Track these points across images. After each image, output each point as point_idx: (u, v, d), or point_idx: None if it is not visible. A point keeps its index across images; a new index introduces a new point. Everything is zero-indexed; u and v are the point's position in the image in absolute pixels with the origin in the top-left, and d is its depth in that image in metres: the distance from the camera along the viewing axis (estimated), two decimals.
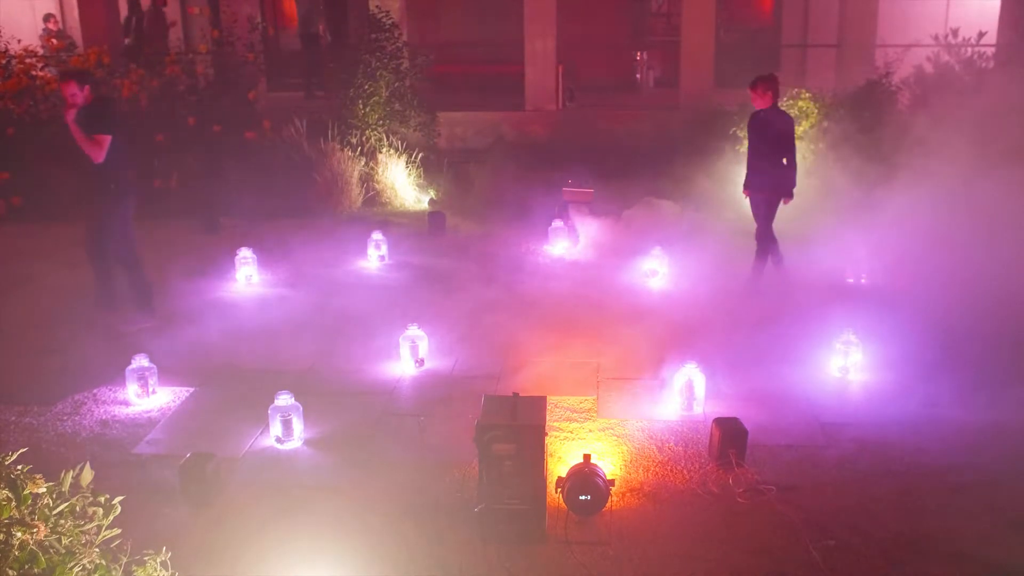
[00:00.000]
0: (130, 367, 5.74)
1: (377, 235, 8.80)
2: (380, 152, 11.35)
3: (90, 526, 2.51)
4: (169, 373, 5.99)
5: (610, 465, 4.83)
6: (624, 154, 11.81)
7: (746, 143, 7.89)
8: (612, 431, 5.26)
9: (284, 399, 5.09)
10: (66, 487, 2.49)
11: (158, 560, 2.65)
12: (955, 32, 11.23)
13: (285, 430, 5.07)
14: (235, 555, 4.06)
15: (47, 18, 15.14)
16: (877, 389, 5.79)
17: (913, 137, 8.76)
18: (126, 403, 5.72)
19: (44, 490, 2.43)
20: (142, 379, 5.73)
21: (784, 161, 7.37)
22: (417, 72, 12.13)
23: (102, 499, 2.56)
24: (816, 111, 10.61)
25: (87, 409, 5.66)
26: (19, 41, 12.10)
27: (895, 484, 4.65)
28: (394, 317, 6.82)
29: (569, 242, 9.24)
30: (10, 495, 2.35)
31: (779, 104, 7.50)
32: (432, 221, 9.99)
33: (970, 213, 7.57)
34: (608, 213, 9.82)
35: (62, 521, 2.44)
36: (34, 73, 11.56)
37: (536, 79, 13.81)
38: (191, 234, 9.87)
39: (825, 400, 5.64)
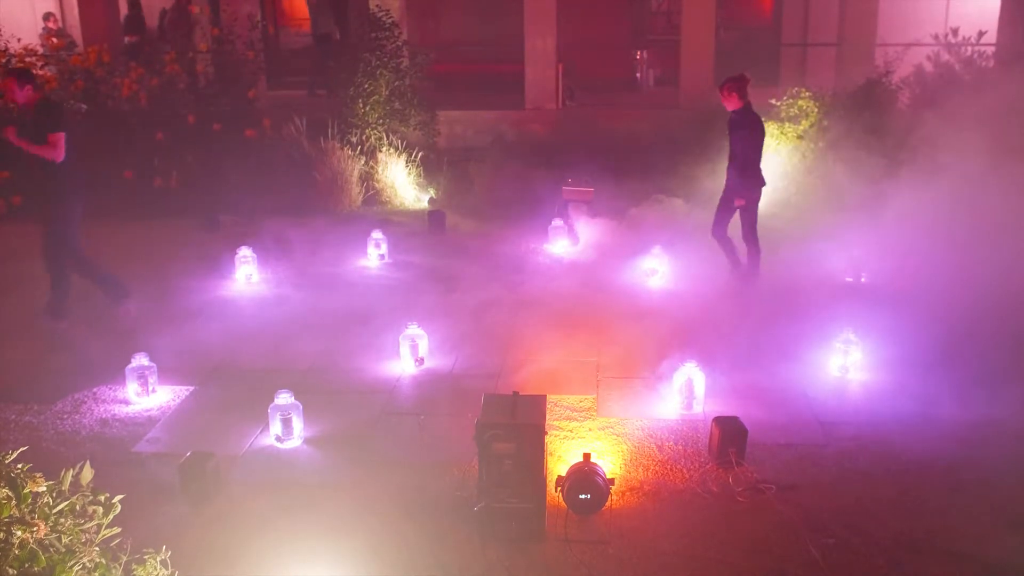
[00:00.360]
0: (130, 366, 5.74)
1: (377, 234, 8.79)
2: (380, 151, 11.35)
3: (90, 525, 2.50)
4: (169, 372, 6.00)
5: (610, 464, 4.83)
6: (624, 153, 11.79)
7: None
8: (612, 430, 5.26)
9: (284, 398, 5.09)
10: (66, 486, 2.49)
11: (158, 559, 2.66)
12: (955, 31, 11.20)
13: (285, 429, 5.08)
14: (235, 554, 4.06)
15: (47, 17, 15.13)
16: (877, 388, 5.79)
17: (913, 136, 8.76)
18: (126, 402, 5.72)
19: (44, 489, 2.43)
20: (142, 378, 5.73)
21: (747, 162, 7.27)
22: (417, 71, 12.12)
23: (102, 498, 2.56)
24: (816, 110, 10.61)
25: (87, 408, 5.67)
26: (19, 40, 12.09)
27: (895, 483, 4.66)
28: (394, 316, 6.82)
29: (569, 241, 9.24)
30: (10, 494, 2.35)
31: (752, 104, 7.30)
32: (432, 220, 9.99)
33: (970, 212, 7.56)
34: (611, 211, 9.81)
35: (62, 520, 2.44)
36: (34, 72, 11.54)
37: (536, 78, 13.80)
38: (191, 232, 9.86)
39: (825, 399, 5.65)
